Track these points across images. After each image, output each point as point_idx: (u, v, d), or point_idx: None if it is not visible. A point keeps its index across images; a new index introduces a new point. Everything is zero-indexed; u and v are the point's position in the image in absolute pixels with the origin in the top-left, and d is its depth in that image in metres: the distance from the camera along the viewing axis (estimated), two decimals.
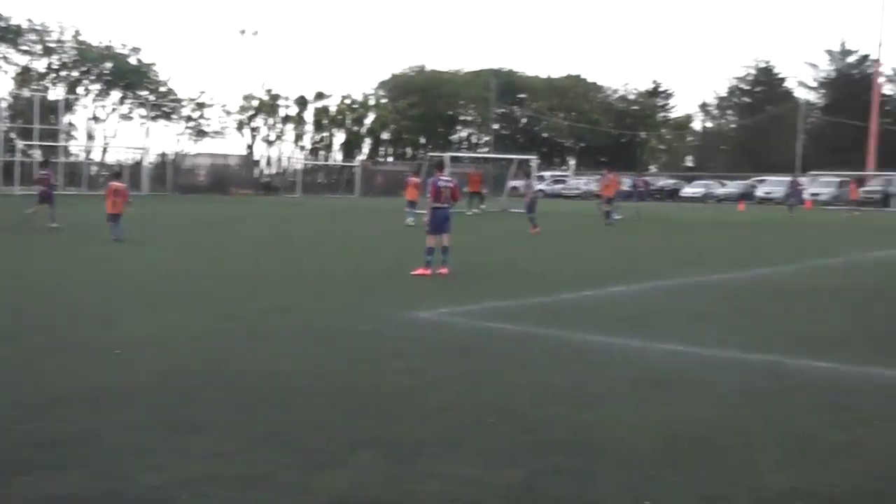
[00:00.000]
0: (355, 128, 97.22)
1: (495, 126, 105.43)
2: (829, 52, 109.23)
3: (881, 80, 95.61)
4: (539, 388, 8.45)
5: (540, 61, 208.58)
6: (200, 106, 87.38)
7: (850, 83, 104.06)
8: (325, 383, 8.50)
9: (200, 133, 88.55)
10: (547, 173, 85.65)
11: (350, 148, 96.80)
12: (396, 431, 6.97)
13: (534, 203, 32.19)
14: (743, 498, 5.74)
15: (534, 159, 56.10)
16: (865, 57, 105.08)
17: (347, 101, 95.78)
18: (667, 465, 6.30)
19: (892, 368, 9.63)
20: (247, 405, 7.69)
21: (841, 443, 6.92)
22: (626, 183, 49.37)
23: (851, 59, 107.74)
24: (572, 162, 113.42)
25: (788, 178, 66.76)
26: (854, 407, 7.97)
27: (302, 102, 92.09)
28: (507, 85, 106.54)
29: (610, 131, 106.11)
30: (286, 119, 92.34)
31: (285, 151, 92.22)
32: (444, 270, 17.38)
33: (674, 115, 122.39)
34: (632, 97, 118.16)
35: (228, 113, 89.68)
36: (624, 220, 38.13)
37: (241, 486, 5.81)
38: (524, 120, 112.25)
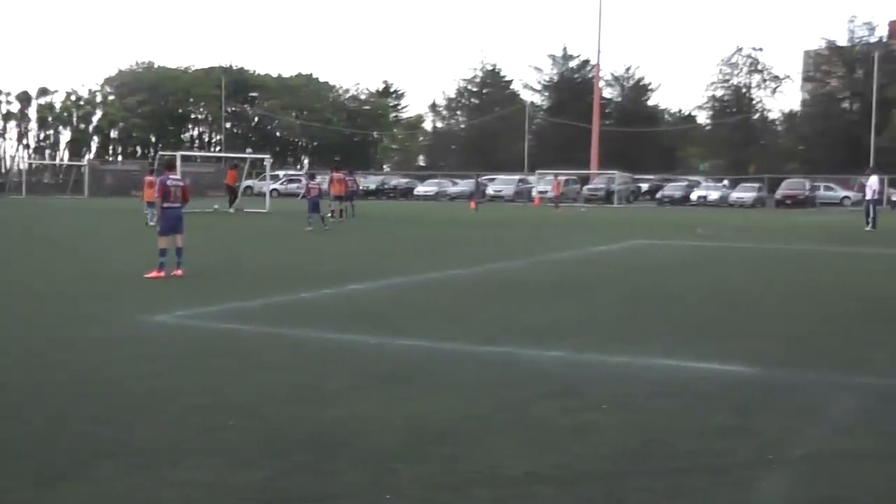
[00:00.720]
0: (82, 125, 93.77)
1: (227, 125, 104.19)
2: (552, 57, 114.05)
3: (601, 84, 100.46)
4: (281, 388, 8.43)
5: (271, 59, 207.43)
6: None
7: (573, 86, 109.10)
8: (58, 393, 8.17)
9: None
10: (281, 172, 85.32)
11: (78, 146, 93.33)
12: (136, 439, 6.78)
13: (316, 204, 32.14)
14: (483, 484, 5.92)
15: (267, 158, 55.82)
16: (586, 62, 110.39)
17: (73, 98, 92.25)
18: (409, 458, 6.42)
19: (615, 355, 10.15)
20: None
21: (572, 427, 7.25)
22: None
23: (573, 63, 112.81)
24: (306, 161, 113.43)
25: (517, 177, 69.23)
26: (583, 393, 8.36)
27: (25, 98, 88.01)
28: (238, 83, 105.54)
29: (342, 131, 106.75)
30: (8, 116, 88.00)
31: (8, 150, 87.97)
32: (178, 272, 17.03)
33: (406, 115, 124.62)
34: (363, 97, 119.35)
35: None
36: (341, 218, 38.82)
37: None
38: (256, 119, 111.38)
